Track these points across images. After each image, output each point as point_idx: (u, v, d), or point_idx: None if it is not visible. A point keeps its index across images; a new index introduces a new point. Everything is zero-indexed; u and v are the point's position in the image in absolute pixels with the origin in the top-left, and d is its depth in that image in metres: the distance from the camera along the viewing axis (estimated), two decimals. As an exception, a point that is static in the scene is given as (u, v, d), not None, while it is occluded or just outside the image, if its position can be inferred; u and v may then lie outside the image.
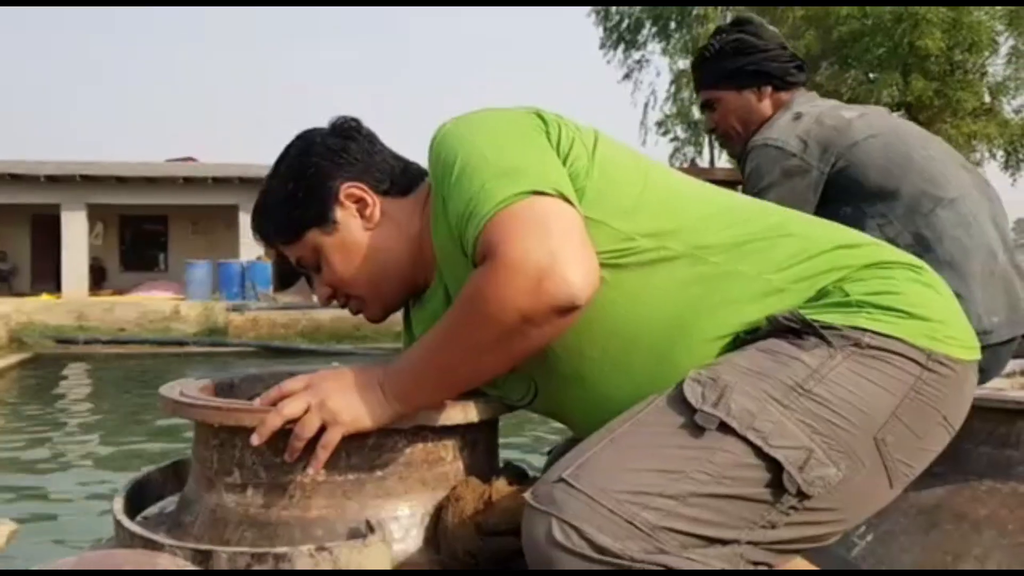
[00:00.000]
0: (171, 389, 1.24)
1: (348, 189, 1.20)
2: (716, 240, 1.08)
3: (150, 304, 17.00)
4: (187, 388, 1.25)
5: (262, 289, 17.68)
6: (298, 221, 1.21)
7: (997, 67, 19.15)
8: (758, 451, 0.93)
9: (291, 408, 1.04)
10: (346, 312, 1.29)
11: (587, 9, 27.16)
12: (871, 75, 18.65)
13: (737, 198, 1.20)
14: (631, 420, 0.99)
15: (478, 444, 1.20)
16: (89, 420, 8.95)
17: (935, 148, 2.06)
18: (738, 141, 2.12)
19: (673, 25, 25.85)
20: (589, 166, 1.08)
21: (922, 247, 1.81)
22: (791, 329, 1.01)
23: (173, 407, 1.18)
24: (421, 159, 1.23)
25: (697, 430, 0.94)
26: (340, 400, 1.04)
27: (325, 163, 1.21)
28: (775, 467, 0.93)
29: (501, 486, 1.10)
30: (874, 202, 1.88)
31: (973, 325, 1.15)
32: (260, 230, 1.28)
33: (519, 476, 1.16)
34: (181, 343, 14.96)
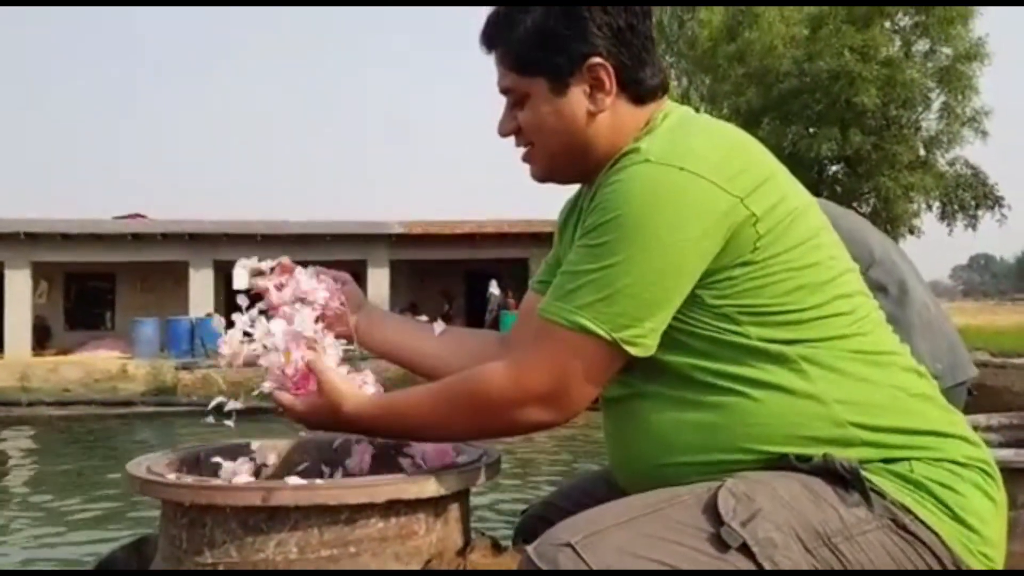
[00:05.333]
0: (138, 466, 1.22)
1: (595, 64, 1.13)
2: (824, 355, 1.05)
3: (96, 363, 16.56)
4: (154, 464, 1.24)
5: (212, 346, 17.33)
6: (532, 61, 1.15)
7: (930, 122, 19.92)
8: None
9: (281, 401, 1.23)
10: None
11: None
12: (811, 130, 19.23)
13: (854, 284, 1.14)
14: (656, 509, 0.99)
15: (450, 515, 1.20)
16: (33, 486, 8.63)
17: (852, 217, 2.29)
18: None
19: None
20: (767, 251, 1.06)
21: None
22: (841, 477, 1.01)
23: (142, 486, 1.16)
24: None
25: (719, 542, 0.94)
26: (303, 408, 1.21)
27: (594, 31, 1.12)
28: None
29: (476, 559, 1.10)
30: None
31: None
32: (494, 36, 1.18)
33: (493, 547, 1.16)
34: (129, 403, 14.57)
